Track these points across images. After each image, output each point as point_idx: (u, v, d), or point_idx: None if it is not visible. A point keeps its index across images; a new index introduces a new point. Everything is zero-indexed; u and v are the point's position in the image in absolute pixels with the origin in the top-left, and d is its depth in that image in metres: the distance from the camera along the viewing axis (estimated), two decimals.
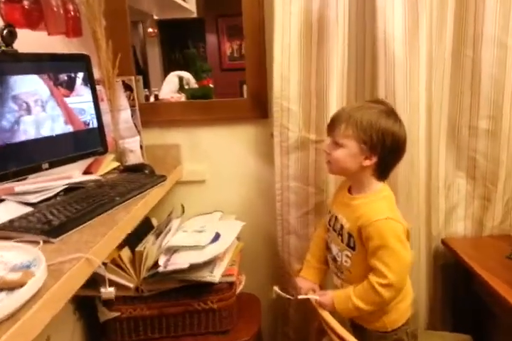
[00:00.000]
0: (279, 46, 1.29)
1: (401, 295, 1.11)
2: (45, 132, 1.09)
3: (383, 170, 1.10)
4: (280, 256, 1.47)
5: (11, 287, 0.60)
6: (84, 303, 1.27)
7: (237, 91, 2.20)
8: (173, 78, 2.14)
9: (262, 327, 1.43)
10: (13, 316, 0.56)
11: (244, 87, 2.22)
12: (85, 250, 0.77)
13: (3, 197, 0.99)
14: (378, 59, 1.25)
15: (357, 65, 1.33)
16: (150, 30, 2.32)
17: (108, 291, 0.82)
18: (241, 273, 1.41)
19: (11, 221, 0.88)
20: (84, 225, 0.89)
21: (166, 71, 2.18)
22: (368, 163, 1.06)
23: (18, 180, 1.04)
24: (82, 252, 0.76)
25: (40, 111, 1.09)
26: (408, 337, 1.14)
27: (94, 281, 1.20)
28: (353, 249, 1.09)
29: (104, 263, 1.20)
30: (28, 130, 1.05)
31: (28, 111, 1.05)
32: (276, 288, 1.17)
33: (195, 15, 2.27)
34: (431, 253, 1.44)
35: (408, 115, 1.26)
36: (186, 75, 2.19)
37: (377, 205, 1.08)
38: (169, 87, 2.09)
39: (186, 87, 2.13)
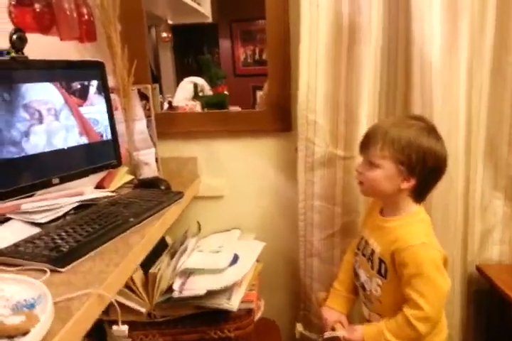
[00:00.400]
0: (306, 53, 1.20)
1: (437, 328, 1.01)
2: (58, 143, 1.02)
3: (421, 192, 1.02)
4: (302, 280, 1.37)
5: (11, 335, 0.51)
6: (94, 326, 1.19)
7: (251, 97, 2.14)
8: (187, 85, 2.08)
9: None
10: None
11: (257, 93, 2.16)
12: (97, 283, 0.68)
13: (9, 215, 0.91)
14: (413, 68, 1.16)
15: (389, 75, 1.24)
16: (164, 34, 2.26)
17: (121, 330, 0.72)
18: (260, 298, 1.31)
19: (16, 245, 0.79)
20: (96, 251, 0.80)
21: (179, 77, 2.13)
22: (405, 185, 0.98)
23: (25, 197, 0.96)
24: (94, 285, 0.67)
25: (52, 120, 1.01)
26: None
27: None
28: (384, 276, 1.00)
29: None
30: (40, 141, 0.97)
31: (40, 120, 0.97)
32: (299, 327, 1.08)
33: (210, 20, 2.24)
34: (465, 280, 1.33)
35: (447, 129, 1.16)
36: (201, 82, 2.12)
37: (414, 228, 0.99)
38: (183, 94, 2.02)
39: (200, 93, 2.07)
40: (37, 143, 0.96)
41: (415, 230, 0.98)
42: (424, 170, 0.96)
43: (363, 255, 1.07)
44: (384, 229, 1.02)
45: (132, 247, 0.83)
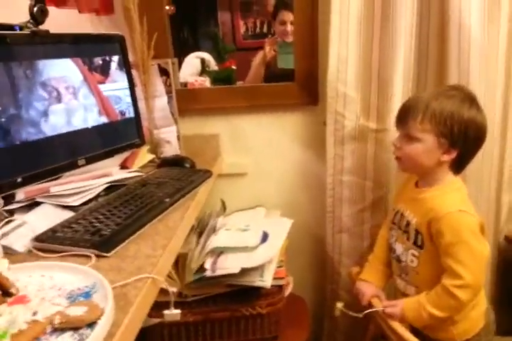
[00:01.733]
0: (337, 21, 1.13)
1: (475, 300, 1.00)
2: (77, 123, 0.96)
3: (462, 163, 0.99)
4: (329, 255, 1.36)
5: (77, 326, 0.49)
6: None
7: None
8: (193, 60, 2.00)
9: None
10: None
11: (252, 66, 2.08)
12: (148, 267, 0.65)
13: (39, 199, 0.87)
14: (450, 37, 1.10)
15: (421, 43, 1.17)
16: (167, 8, 2.16)
17: (173, 313, 0.70)
18: (288, 274, 1.30)
19: (54, 230, 0.76)
20: (138, 233, 0.77)
21: (178, 52, 2.05)
22: (446, 157, 0.95)
23: (51, 180, 0.92)
24: (146, 270, 0.64)
25: (71, 99, 0.95)
26: None
27: None
28: (421, 247, 0.99)
29: None
30: (59, 121, 0.91)
31: (59, 99, 0.92)
32: (340, 305, 1.07)
33: None
34: (494, 250, 1.32)
35: (483, 100, 1.11)
36: (207, 57, 2.05)
37: (450, 197, 0.97)
38: (189, 70, 1.95)
39: (206, 69, 2.00)
40: (56, 123, 0.91)
41: (451, 198, 0.97)
42: (466, 141, 0.94)
43: (399, 228, 1.05)
44: (419, 200, 1.00)
45: (175, 229, 0.80)
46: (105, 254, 0.69)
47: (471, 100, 0.95)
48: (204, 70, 1.98)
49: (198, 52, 2.03)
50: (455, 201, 0.96)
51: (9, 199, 0.86)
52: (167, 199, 0.90)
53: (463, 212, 0.93)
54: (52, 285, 0.59)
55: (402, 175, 1.19)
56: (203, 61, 2.02)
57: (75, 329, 0.49)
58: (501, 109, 1.17)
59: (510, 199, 1.33)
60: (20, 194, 0.87)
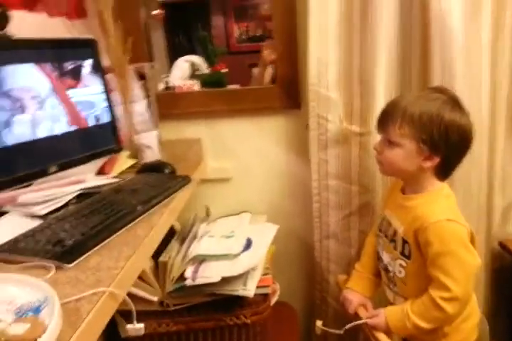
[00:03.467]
0: (316, 23, 1.11)
1: (466, 312, 0.96)
2: (43, 133, 0.92)
3: (446, 170, 0.96)
4: (317, 262, 1.32)
5: None
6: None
7: (247, 75, 2.05)
8: (182, 64, 1.98)
9: None
10: None
11: (254, 71, 2.07)
12: (107, 280, 0.62)
13: (5, 208, 0.84)
14: (431, 36, 1.07)
15: (404, 44, 1.15)
16: (155, 12, 2.15)
17: (136, 328, 0.67)
18: (274, 282, 1.27)
19: (16, 240, 0.73)
20: (103, 244, 0.74)
21: (172, 56, 2.04)
22: (428, 163, 0.92)
23: (21, 187, 0.89)
24: (104, 283, 0.61)
25: (37, 109, 0.91)
26: None
27: None
28: (408, 257, 0.95)
29: None
30: (23, 131, 0.87)
31: (22, 109, 0.88)
32: (319, 324, 1.04)
33: None
34: (488, 256, 1.28)
35: (469, 102, 1.08)
36: (197, 60, 2.03)
37: (437, 205, 0.93)
38: (179, 73, 1.93)
39: (197, 72, 1.98)
40: (21, 133, 0.87)
41: (439, 206, 0.93)
42: (448, 147, 0.90)
43: (385, 236, 1.02)
44: (406, 208, 0.97)
45: (143, 238, 0.77)
46: (66, 265, 0.66)
47: (453, 102, 0.91)
48: (193, 74, 1.96)
49: (188, 55, 2.02)
50: (443, 209, 0.92)
51: None
52: (139, 207, 0.87)
53: (451, 221, 0.89)
54: (3, 299, 0.56)
55: (389, 178, 1.16)
56: (192, 64, 2.01)
57: None
58: (488, 110, 1.14)
59: (502, 203, 1.29)
60: None
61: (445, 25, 1.05)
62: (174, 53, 2.04)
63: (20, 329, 0.47)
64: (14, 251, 0.69)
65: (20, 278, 0.59)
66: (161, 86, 1.71)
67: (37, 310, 0.53)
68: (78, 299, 0.57)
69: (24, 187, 0.90)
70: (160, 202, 0.92)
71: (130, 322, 1.09)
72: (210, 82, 1.91)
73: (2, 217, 0.82)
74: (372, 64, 1.11)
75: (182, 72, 1.94)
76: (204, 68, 2.04)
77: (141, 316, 1.11)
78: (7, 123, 0.84)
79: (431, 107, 0.89)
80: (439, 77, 1.09)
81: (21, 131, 0.87)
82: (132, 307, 0.63)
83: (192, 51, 2.03)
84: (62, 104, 0.96)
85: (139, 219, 0.84)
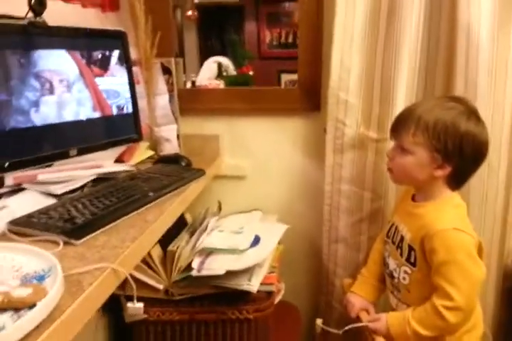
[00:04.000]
0: (341, 28, 1.12)
1: (469, 323, 0.95)
2: (69, 116, 0.97)
3: (458, 180, 0.95)
4: (325, 265, 1.32)
5: (18, 307, 0.48)
6: (109, 299, 1.17)
7: (275, 81, 2.08)
8: (211, 64, 2.03)
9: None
10: None
11: (282, 77, 2.09)
12: (112, 258, 0.64)
13: (25, 185, 0.88)
14: (457, 47, 1.06)
15: (429, 53, 1.14)
16: (189, 13, 2.20)
17: (135, 307, 0.69)
18: (280, 281, 1.27)
19: (30, 216, 0.76)
20: (112, 225, 0.76)
21: (203, 56, 2.08)
22: (440, 173, 0.91)
23: (42, 167, 0.92)
24: (108, 261, 0.64)
25: (64, 91, 0.96)
26: None
27: None
28: (413, 264, 0.94)
29: None
30: (49, 112, 0.92)
31: (51, 91, 0.93)
32: (319, 322, 1.03)
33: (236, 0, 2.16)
34: (500, 274, 1.25)
35: (490, 114, 1.08)
36: (225, 61, 2.08)
37: (445, 214, 0.92)
38: (207, 73, 1.97)
39: (224, 73, 2.02)
40: (47, 114, 0.91)
41: (447, 215, 0.92)
42: (462, 157, 0.89)
43: (393, 243, 1.02)
44: (415, 215, 0.96)
45: (151, 223, 0.79)
46: (73, 242, 0.69)
47: (470, 112, 0.90)
48: (220, 74, 2.00)
49: (217, 56, 2.06)
50: (451, 218, 0.91)
51: None
52: (151, 194, 0.90)
53: (458, 231, 0.88)
54: (11, 266, 0.59)
55: (401, 186, 1.15)
56: (219, 65, 2.05)
57: (17, 309, 0.48)
58: (510, 122, 1.12)
59: None
60: (10, 179, 0.88)
61: (472, 36, 1.04)
62: (205, 54, 2.10)
63: (23, 293, 0.49)
64: (27, 225, 0.72)
65: (30, 249, 0.62)
66: (189, 85, 1.76)
67: (41, 278, 0.56)
68: (82, 272, 0.60)
69: (45, 167, 0.94)
70: (172, 190, 0.95)
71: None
72: (236, 83, 1.95)
73: (20, 193, 0.86)
74: (394, 71, 1.11)
75: (210, 73, 1.99)
76: (231, 70, 2.08)
77: (147, 303, 1.15)
78: (36, 103, 0.88)
79: (446, 116, 0.88)
80: (461, 89, 1.07)
81: (48, 112, 0.91)
82: (134, 286, 0.65)
83: (222, 53, 2.08)
84: (88, 90, 1.00)
85: (149, 205, 0.87)
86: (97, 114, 1.03)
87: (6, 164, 0.83)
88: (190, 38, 2.23)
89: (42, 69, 0.89)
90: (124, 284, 1.10)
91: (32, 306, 0.48)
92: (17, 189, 0.87)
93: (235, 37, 2.28)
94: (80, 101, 0.99)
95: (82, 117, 1.00)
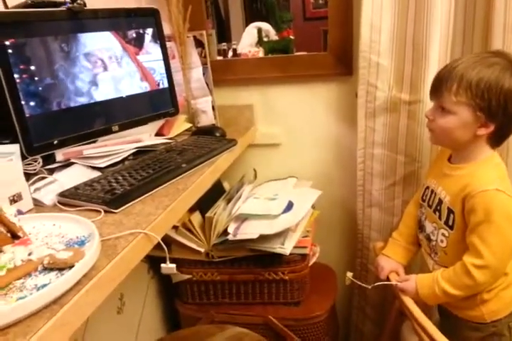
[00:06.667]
0: None
1: (507, 281, 0.96)
2: (124, 89, 1.06)
3: (501, 137, 0.92)
4: (359, 229, 1.35)
5: (61, 267, 0.57)
6: (158, 262, 1.29)
7: (321, 42, 2.02)
8: (252, 30, 2.01)
9: (336, 299, 1.36)
10: (59, 300, 0.53)
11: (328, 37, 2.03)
12: (145, 224, 0.72)
13: (73, 160, 0.98)
14: (495, 1, 1.00)
15: (466, 12, 1.08)
16: None
17: (169, 267, 0.77)
18: (315, 244, 1.33)
19: (76, 188, 0.86)
20: (148, 194, 0.84)
21: (248, 22, 2.06)
22: (483, 131, 0.89)
23: (88, 143, 1.02)
24: (142, 226, 0.71)
25: (116, 67, 1.04)
26: (511, 332, 0.98)
27: (166, 242, 1.20)
28: (451, 227, 0.94)
29: (176, 227, 1.19)
30: (108, 88, 1.01)
31: (105, 67, 1.01)
32: (349, 275, 1.07)
33: None
34: None
35: None
36: (266, 26, 2.04)
37: (487, 174, 0.91)
38: (248, 40, 1.97)
39: (265, 39, 2.00)
40: (105, 90, 1.01)
41: (488, 175, 0.90)
42: (506, 114, 0.86)
43: (429, 206, 1.02)
44: (453, 177, 0.95)
45: (182, 192, 0.86)
46: (113, 210, 0.77)
47: None
48: (260, 40, 1.99)
49: (257, 22, 2.04)
50: (493, 178, 0.90)
51: (51, 160, 0.97)
52: (184, 165, 0.96)
53: (500, 192, 0.87)
54: (59, 233, 0.68)
55: (435, 149, 1.14)
56: (259, 31, 2.03)
57: (60, 269, 0.57)
58: None
59: None
60: (60, 155, 0.99)
61: None
62: (251, 19, 2.07)
63: (64, 255, 0.58)
64: (74, 197, 0.82)
65: (74, 218, 0.71)
66: (230, 53, 1.78)
67: (82, 243, 0.64)
68: (117, 237, 0.68)
69: (90, 143, 1.03)
70: (203, 161, 1.01)
71: (181, 269, 1.25)
72: (277, 48, 1.93)
73: (69, 167, 0.96)
74: (426, 30, 1.07)
75: (251, 39, 1.98)
76: (273, 35, 2.05)
77: (191, 265, 1.26)
78: (92, 82, 0.98)
79: (489, 74, 0.85)
80: (499, 44, 1.02)
81: (106, 89, 1.01)
82: (166, 249, 0.73)
83: (267, 18, 2.04)
84: (134, 63, 1.08)
85: (182, 175, 0.94)
86: (145, 85, 1.12)
87: (55, 141, 0.93)
88: (235, 3, 2.21)
89: (91, 49, 0.97)
90: (170, 248, 1.21)
91: (72, 266, 0.56)
92: (66, 164, 0.97)
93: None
94: (131, 74, 1.07)
95: (136, 89, 1.09)
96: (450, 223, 0.94)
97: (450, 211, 0.94)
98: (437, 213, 0.98)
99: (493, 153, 0.94)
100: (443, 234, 0.97)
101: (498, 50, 0.95)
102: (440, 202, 0.97)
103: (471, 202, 0.88)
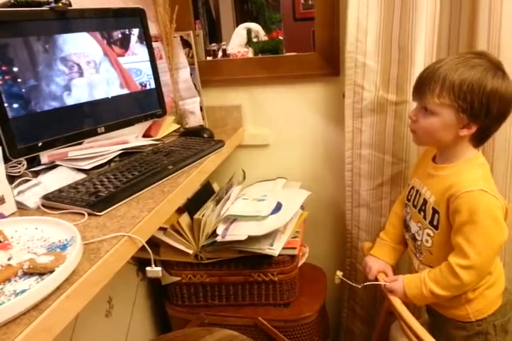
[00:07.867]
0: None
1: (491, 280, 0.96)
2: (99, 95, 1.04)
3: (483, 138, 0.93)
4: (348, 229, 1.35)
5: (42, 272, 0.56)
6: (148, 264, 1.28)
7: (311, 43, 2.02)
8: (241, 31, 2.01)
9: (326, 300, 1.36)
10: (39, 305, 0.52)
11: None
12: (129, 227, 0.71)
13: (58, 162, 0.97)
14: (481, 3, 1.01)
15: (451, 12, 1.09)
16: None
17: (154, 270, 0.76)
18: (304, 245, 1.33)
19: (60, 190, 0.85)
20: (133, 197, 0.84)
21: (238, 23, 2.06)
22: (465, 132, 0.89)
23: (73, 145, 1.01)
24: (126, 229, 0.70)
25: (93, 73, 1.02)
26: (496, 330, 0.99)
27: (154, 244, 1.20)
28: (436, 227, 0.95)
29: (164, 228, 1.19)
30: (82, 93, 0.99)
31: (80, 73, 0.99)
32: (339, 274, 1.07)
33: None
34: None
35: None
36: (255, 27, 2.05)
37: (471, 174, 0.91)
38: (237, 41, 1.97)
39: (255, 39, 2.00)
40: (79, 95, 0.98)
41: (473, 176, 0.91)
42: (488, 115, 0.87)
43: (414, 206, 1.02)
44: (438, 177, 0.96)
45: (167, 194, 0.85)
46: (97, 213, 0.76)
47: (495, 68, 0.87)
48: (250, 41, 1.99)
49: (247, 23, 2.04)
50: (477, 179, 0.90)
51: (36, 162, 0.96)
52: (170, 167, 0.96)
53: (484, 192, 0.87)
54: (41, 236, 0.67)
55: (422, 149, 1.14)
56: (248, 31, 2.03)
57: (41, 274, 0.56)
58: None
59: None
60: (45, 157, 0.97)
61: None
62: (241, 20, 2.07)
63: (45, 259, 0.57)
64: (57, 200, 0.81)
65: (56, 221, 0.70)
66: (220, 54, 1.77)
67: (64, 247, 0.63)
68: (100, 241, 0.67)
69: (76, 145, 1.02)
70: (190, 163, 1.00)
71: (169, 271, 1.24)
72: (266, 49, 1.93)
73: (54, 169, 0.94)
74: (412, 31, 1.07)
75: (240, 40, 1.98)
76: (262, 35, 2.05)
77: (180, 266, 1.26)
78: (67, 86, 0.96)
79: (472, 75, 0.85)
80: (484, 45, 1.03)
81: (80, 94, 0.98)
82: (150, 252, 0.72)
83: (257, 18, 2.05)
84: (114, 68, 1.06)
85: (168, 177, 0.93)
86: (124, 91, 1.10)
87: (40, 144, 0.92)
88: (226, 3, 2.20)
89: (68, 53, 0.95)
90: (159, 250, 1.20)
91: (53, 271, 0.56)
92: (51, 166, 0.96)
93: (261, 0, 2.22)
94: (108, 81, 1.05)
95: (112, 94, 1.06)
96: (435, 223, 0.95)
97: (435, 211, 0.94)
98: (422, 213, 0.99)
99: (476, 152, 0.94)
100: (428, 234, 0.98)
101: (480, 51, 0.95)
102: (425, 202, 0.98)
103: (455, 203, 0.89)
